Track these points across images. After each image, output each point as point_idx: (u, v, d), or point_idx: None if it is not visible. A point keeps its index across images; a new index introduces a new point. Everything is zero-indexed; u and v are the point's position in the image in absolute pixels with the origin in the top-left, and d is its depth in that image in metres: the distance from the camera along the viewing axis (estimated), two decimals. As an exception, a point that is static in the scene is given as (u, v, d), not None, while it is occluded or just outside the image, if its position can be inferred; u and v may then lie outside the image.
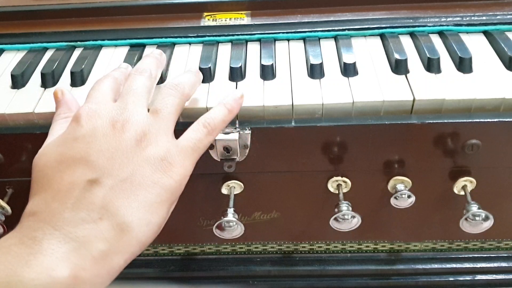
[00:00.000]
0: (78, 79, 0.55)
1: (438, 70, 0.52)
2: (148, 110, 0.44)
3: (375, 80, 0.52)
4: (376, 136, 0.50)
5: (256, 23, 0.61)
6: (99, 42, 0.60)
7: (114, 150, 0.40)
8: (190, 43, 0.60)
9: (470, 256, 0.66)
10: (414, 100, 0.49)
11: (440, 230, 0.62)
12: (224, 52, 0.58)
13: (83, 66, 0.55)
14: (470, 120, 0.49)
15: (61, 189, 0.39)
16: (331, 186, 0.55)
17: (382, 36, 0.58)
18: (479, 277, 0.66)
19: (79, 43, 0.61)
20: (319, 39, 0.59)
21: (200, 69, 0.54)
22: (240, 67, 0.54)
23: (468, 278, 0.66)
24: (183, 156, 0.43)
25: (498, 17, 0.58)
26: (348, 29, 0.59)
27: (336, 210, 0.52)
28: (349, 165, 0.53)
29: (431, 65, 0.52)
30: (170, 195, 0.41)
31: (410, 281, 0.67)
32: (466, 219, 0.51)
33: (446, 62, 0.54)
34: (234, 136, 0.49)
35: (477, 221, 0.51)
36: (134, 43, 0.60)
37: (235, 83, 0.53)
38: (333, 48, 0.57)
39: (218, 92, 0.52)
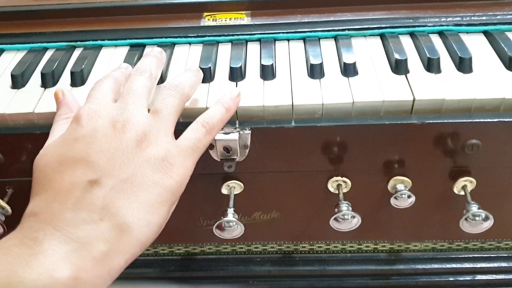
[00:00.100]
0: (78, 79, 0.55)
1: (438, 70, 0.52)
2: (149, 111, 0.44)
3: (375, 80, 0.52)
4: (376, 136, 0.50)
5: (256, 23, 0.61)
6: (99, 42, 0.60)
7: (115, 151, 0.40)
8: (190, 43, 0.60)
9: (470, 256, 0.66)
10: (414, 100, 0.49)
11: (440, 230, 0.62)
12: (224, 52, 0.58)
13: (83, 66, 0.55)
14: (470, 120, 0.49)
15: (62, 190, 0.39)
16: (331, 186, 0.55)
17: (382, 36, 0.58)
18: (479, 277, 0.66)
19: (79, 43, 0.61)
20: (319, 39, 0.59)
21: (200, 69, 0.53)
22: (240, 67, 0.54)
23: (468, 278, 0.66)
24: (184, 156, 0.43)
25: (498, 17, 0.58)
26: (348, 29, 0.59)
27: (336, 210, 0.52)
28: (349, 165, 0.53)
29: (431, 65, 0.52)
30: (171, 195, 0.41)
31: (410, 281, 0.67)
32: (466, 219, 0.51)
33: (446, 62, 0.54)
34: (234, 136, 0.49)
35: (477, 221, 0.51)
36: (134, 43, 0.60)
37: (235, 83, 0.53)
38: (333, 48, 0.57)
39: (218, 92, 0.52)
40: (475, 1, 0.61)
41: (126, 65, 0.53)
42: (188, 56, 0.58)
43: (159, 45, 0.60)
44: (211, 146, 0.49)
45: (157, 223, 0.40)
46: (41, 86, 0.55)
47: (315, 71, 0.53)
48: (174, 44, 0.60)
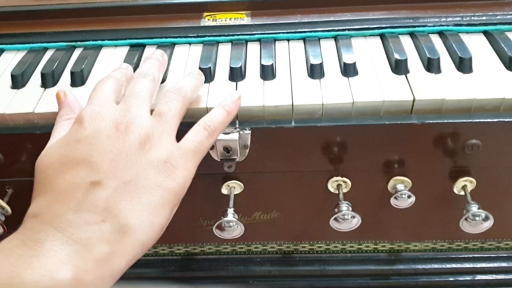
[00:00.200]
0: (78, 79, 0.55)
1: (438, 70, 0.52)
2: (151, 113, 0.45)
3: (375, 80, 0.52)
4: (376, 136, 0.50)
5: (256, 23, 0.61)
6: (99, 42, 0.60)
7: (118, 152, 0.41)
8: (190, 43, 0.60)
9: (470, 256, 0.66)
10: (414, 100, 0.49)
11: (440, 230, 0.62)
12: (224, 52, 0.58)
13: (83, 66, 0.55)
14: (470, 120, 0.49)
15: (64, 191, 0.39)
16: (331, 186, 0.55)
17: (382, 36, 0.58)
18: (479, 277, 0.66)
19: (79, 43, 0.61)
20: (319, 39, 0.59)
21: (200, 69, 0.54)
22: (240, 67, 0.54)
23: (468, 278, 0.66)
24: (186, 159, 0.43)
25: (498, 17, 0.58)
26: (348, 29, 0.59)
27: (336, 210, 0.52)
28: (349, 165, 0.53)
29: (431, 65, 0.52)
30: (173, 197, 0.41)
31: (410, 281, 0.67)
32: (466, 219, 0.51)
33: (446, 62, 0.54)
34: (234, 136, 0.49)
35: (477, 221, 0.51)
36: (134, 43, 0.60)
37: (235, 83, 0.53)
38: (333, 48, 0.57)
39: (218, 92, 0.52)
40: (475, 1, 0.61)
41: (127, 65, 0.53)
42: (188, 56, 0.58)
43: (159, 45, 0.60)
44: (211, 146, 0.49)
45: (159, 225, 0.40)
46: (41, 86, 0.55)
47: (315, 71, 0.53)
48: (174, 44, 0.60)
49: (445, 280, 0.66)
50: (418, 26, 0.58)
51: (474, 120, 0.49)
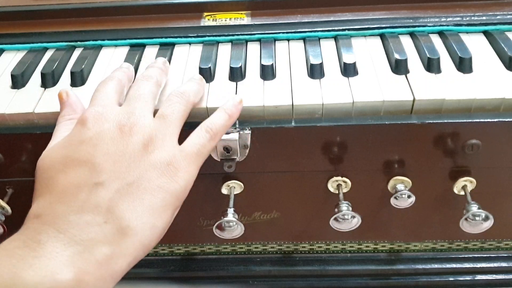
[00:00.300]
0: (78, 79, 0.55)
1: (438, 70, 0.52)
2: (154, 116, 0.45)
3: (375, 80, 0.52)
4: (376, 136, 0.50)
5: (256, 23, 0.61)
6: (99, 42, 0.60)
7: (121, 154, 0.41)
8: (190, 43, 0.60)
9: (470, 256, 0.66)
10: (414, 100, 0.49)
11: (440, 230, 0.62)
12: (224, 52, 0.58)
13: (83, 66, 0.55)
14: (470, 120, 0.49)
15: (66, 192, 0.39)
16: (331, 186, 0.55)
17: (382, 36, 0.58)
18: (479, 277, 0.66)
19: (79, 43, 0.61)
20: (319, 39, 0.59)
21: (200, 69, 0.54)
22: (240, 67, 0.54)
23: (468, 278, 0.66)
24: (188, 161, 0.43)
25: (498, 17, 0.58)
26: (348, 29, 0.59)
27: (336, 210, 0.52)
28: (349, 165, 0.53)
29: (431, 65, 0.52)
30: (175, 199, 0.41)
31: (410, 281, 0.67)
32: (466, 219, 0.51)
33: (446, 62, 0.54)
34: (234, 136, 0.49)
35: (477, 221, 0.51)
36: (134, 43, 0.60)
37: (235, 83, 0.53)
38: (333, 48, 0.57)
39: (218, 92, 0.52)
40: (475, 1, 0.61)
41: (128, 65, 0.53)
42: (188, 56, 0.58)
43: (159, 45, 0.60)
44: (211, 146, 0.49)
45: (161, 226, 0.40)
46: (41, 86, 0.55)
47: (315, 71, 0.53)
48: (174, 44, 0.60)
49: (445, 280, 0.66)
50: (418, 26, 0.58)
51: (474, 120, 0.49)
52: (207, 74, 0.53)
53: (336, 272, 0.67)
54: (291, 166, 0.54)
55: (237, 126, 0.49)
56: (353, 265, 0.66)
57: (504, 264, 0.66)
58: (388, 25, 0.58)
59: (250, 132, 0.49)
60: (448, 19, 0.59)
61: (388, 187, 0.55)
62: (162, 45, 0.60)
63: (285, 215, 0.60)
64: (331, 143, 0.51)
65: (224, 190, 0.55)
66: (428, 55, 0.53)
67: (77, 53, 0.59)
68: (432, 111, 0.50)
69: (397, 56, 0.53)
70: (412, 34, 0.58)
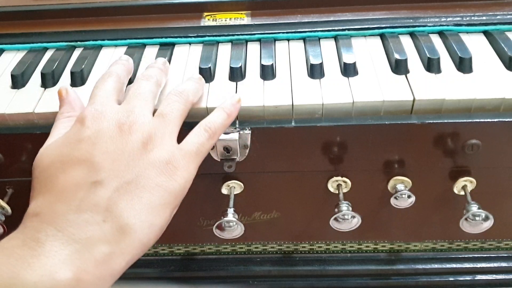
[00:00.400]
0: (78, 79, 0.55)
1: (438, 70, 0.52)
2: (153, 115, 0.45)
3: (375, 80, 0.52)
4: (376, 136, 0.50)
5: (256, 23, 0.61)
6: (99, 42, 0.60)
7: (120, 152, 0.41)
8: (190, 43, 0.60)
9: (470, 256, 0.66)
10: (414, 100, 0.49)
11: (440, 230, 0.62)
12: (224, 52, 0.58)
13: (83, 66, 0.55)
14: (470, 120, 0.49)
15: (65, 191, 0.39)
16: (331, 186, 0.55)
17: (382, 36, 0.58)
18: (479, 277, 0.66)
19: (79, 43, 0.61)
20: (319, 39, 0.59)
21: (200, 69, 0.54)
22: (240, 67, 0.54)
23: (468, 278, 0.66)
24: (187, 160, 0.43)
25: (498, 17, 0.58)
26: (348, 29, 0.59)
27: (336, 210, 0.52)
28: (349, 165, 0.53)
29: (431, 65, 0.52)
30: (174, 198, 0.41)
31: (410, 281, 0.67)
32: (466, 219, 0.51)
33: (446, 62, 0.54)
34: (234, 136, 0.49)
35: (477, 221, 0.51)
36: (134, 43, 0.60)
37: (235, 83, 0.53)
38: (333, 48, 0.57)
39: (218, 92, 0.52)
40: (475, 1, 0.61)
41: (127, 57, 0.53)
42: (188, 56, 0.58)
43: (159, 45, 0.60)
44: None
45: (159, 225, 0.40)
46: (41, 86, 0.55)
47: (315, 71, 0.53)
48: (174, 44, 0.60)
49: (445, 280, 0.66)
50: (418, 26, 0.58)
51: (474, 120, 0.49)
52: (207, 74, 0.53)
53: (336, 272, 0.67)
54: (291, 166, 0.54)
55: (237, 126, 0.49)
56: (353, 265, 0.66)
57: (504, 264, 0.66)
58: (388, 25, 0.58)
59: (250, 132, 0.49)
60: (448, 19, 0.59)
61: (388, 187, 0.55)
62: (162, 45, 0.60)
63: (285, 215, 0.60)
64: (331, 143, 0.51)
65: (224, 190, 0.55)
66: (428, 55, 0.53)
67: (77, 53, 0.59)
68: (432, 111, 0.50)
69: (397, 56, 0.53)
70: (412, 34, 0.58)
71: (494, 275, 0.66)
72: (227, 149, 0.49)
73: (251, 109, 0.50)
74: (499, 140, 0.50)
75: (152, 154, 0.41)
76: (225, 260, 0.67)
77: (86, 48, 0.60)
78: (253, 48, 0.58)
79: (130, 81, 0.53)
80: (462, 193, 0.54)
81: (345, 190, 0.55)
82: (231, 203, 0.53)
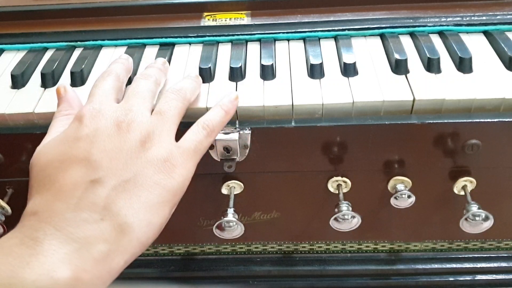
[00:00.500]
0: (78, 79, 0.55)
1: (438, 70, 0.52)
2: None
3: (375, 80, 0.52)
4: (376, 136, 0.50)
5: (256, 23, 0.61)
6: (99, 42, 0.60)
7: (118, 151, 0.41)
8: (190, 43, 0.60)
9: (470, 256, 0.66)
10: (414, 100, 0.49)
11: (440, 230, 0.62)
12: (224, 52, 0.58)
13: (83, 66, 0.55)
14: (470, 120, 0.49)
15: (63, 189, 0.39)
16: (331, 186, 0.55)
17: (382, 36, 0.58)
18: (479, 277, 0.66)
19: (79, 43, 0.61)
20: (319, 39, 0.59)
21: (200, 69, 0.54)
22: (240, 67, 0.54)
23: (468, 278, 0.66)
24: (185, 158, 0.43)
25: (498, 17, 0.58)
26: (348, 29, 0.59)
27: (336, 210, 0.52)
28: (349, 165, 0.53)
29: (431, 65, 0.52)
30: (172, 196, 0.41)
31: (410, 281, 0.67)
32: (466, 219, 0.51)
33: (446, 62, 0.54)
34: (234, 136, 0.49)
35: (477, 221, 0.51)
36: (134, 43, 0.60)
37: (235, 83, 0.53)
38: (333, 48, 0.57)
39: (218, 92, 0.52)
40: (475, 1, 0.61)
41: (126, 56, 0.53)
42: (188, 56, 0.58)
43: (159, 45, 0.60)
44: (211, 146, 0.49)
45: (158, 223, 0.40)
46: (41, 86, 0.55)
47: (315, 71, 0.53)
48: (174, 44, 0.60)
49: (445, 280, 0.66)
50: (418, 26, 0.58)
51: (474, 120, 0.49)
52: (207, 74, 0.53)
53: (336, 272, 0.67)
54: (291, 166, 0.54)
55: (237, 126, 0.49)
56: (353, 265, 0.66)
57: (504, 264, 0.66)
58: (388, 25, 0.58)
59: (250, 132, 0.49)
60: (448, 19, 0.59)
61: (388, 187, 0.55)
62: (162, 45, 0.60)
63: (285, 215, 0.60)
64: (331, 143, 0.51)
65: (224, 190, 0.55)
66: (428, 55, 0.53)
67: (77, 53, 0.59)
68: (432, 111, 0.50)
69: (397, 56, 0.53)
70: (412, 34, 0.58)
71: (494, 275, 0.66)
72: (227, 149, 0.49)
73: (251, 109, 0.50)
74: (499, 140, 0.50)
75: (150, 152, 0.41)
76: (225, 260, 0.67)
77: (86, 48, 0.60)
78: (253, 48, 0.58)
79: (130, 81, 0.53)
80: (462, 193, 0.54)
81: (345, 190, 0.55)
82: (231, 203, 0.53)
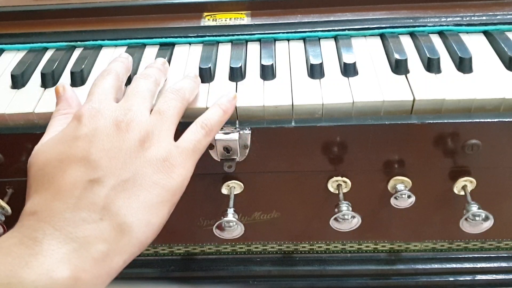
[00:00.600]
0: (78, 79, 0.55)
1: (438, 70, 0.52)
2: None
3: (375, 80, 0.52)
4: (376, 136, 0.50)
5: (256, 23, 0.61)
6: (99, 42, 0.60)
7: (117, 150, 0.40)
8: (190, 43, 0.60)
9: (470, 256, 0.66)
10: (414, 100, 0.49)
11: (440, 230, 0.62)
12: (224, 52, 0.58)
13: (83, 66, 0.55)
14: (470, 120, 0.49)
15: (62, 189, 0.39)
16: (331, 186, 0.55)
17: (382, 36, 0.58)
18: (479, 277, 0.66)
19: (79, 43, 0.61)
20: (319, 39, 0.59)
21: (200, 69, 0.54)
22: (240, 67, 0.54)
23: (468, 278, 0.66)
24: (184, 157, 0.43)
25: (498, 17, 0.58)
26: (348, 29, 0.59)
27: (336, 210, 0.52)
28: (349, 165, 0.53)
29: (431, 65, 0.52)
30: (171, 196, 0.41)
31: (410, 281, 0.67)
32: (466, 219, 0.51)
33: (446, 62, 0.54)
34: (234, 136, 0.49)
35: (477, 221, 0.51)
36: (134, 43, 0.60)
37: (235, 83, 0.53)
38: (333, 48, 0.57)
39: (218, 92, 0.52)
40: (475, 1, 0.61)
41: (126, 55, 0.53)
42: (188, 56, 0.58)
43: (159, 45, 0.60)
44: (211, 146, 0.49)
45: (157, 223, 0.40)
46: (41, 86, 0.55)
47: (315, 71, 0.53)
48: (174, 44, 0.60)
49: (445, 280, 0.66)
50: (418, 26, 0.58)
51: (474, 120, 0.49)
52: (207, 74, 0.53)
53: (336, 272, 0.67)
54: (291, 166, 0.54)
55: (237, 126, 0.49)
56: (353, 265, 0.66)
57: (504, 264, 0.66)
58: (388, 25, 0.58)
59: (250, 132, 0.49)
60: (448, 19, 0.59)
61: (388, 187, 0.55)
62: (162, 45, 0.60)
63: (285, 215, 0.60)
64: (331, 143, 0.51)
65: (224, 190, 0.55)
66: (428, 55, 0.53)
67: (77, 53, 0.59)
68: (432, 111, 0.50)
69: (397, 56, 0.53)
70: (412, 34, 0.58)
71: (494, 275, 0.66)
72: (227, 149, 0.49)
73: (251, 109, 0.50)
74: (499, 140, 0.50)
75: (149, 152, 0.41)
76: (225, 260, 0.67)
77: (86, 48, 0.60)
78: (253, 48, 0.58)
79: (130, 80, 0.53)
80: (462, 193, 0.54)
81: (345, 190, 0.55)
82: (231, 203, 0.53)
